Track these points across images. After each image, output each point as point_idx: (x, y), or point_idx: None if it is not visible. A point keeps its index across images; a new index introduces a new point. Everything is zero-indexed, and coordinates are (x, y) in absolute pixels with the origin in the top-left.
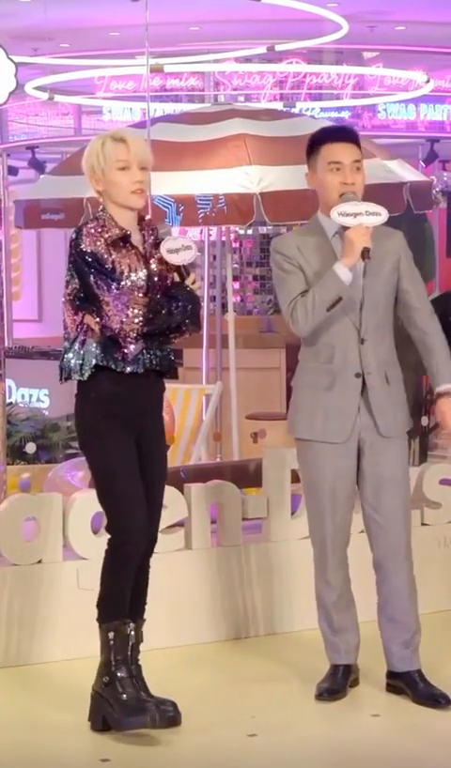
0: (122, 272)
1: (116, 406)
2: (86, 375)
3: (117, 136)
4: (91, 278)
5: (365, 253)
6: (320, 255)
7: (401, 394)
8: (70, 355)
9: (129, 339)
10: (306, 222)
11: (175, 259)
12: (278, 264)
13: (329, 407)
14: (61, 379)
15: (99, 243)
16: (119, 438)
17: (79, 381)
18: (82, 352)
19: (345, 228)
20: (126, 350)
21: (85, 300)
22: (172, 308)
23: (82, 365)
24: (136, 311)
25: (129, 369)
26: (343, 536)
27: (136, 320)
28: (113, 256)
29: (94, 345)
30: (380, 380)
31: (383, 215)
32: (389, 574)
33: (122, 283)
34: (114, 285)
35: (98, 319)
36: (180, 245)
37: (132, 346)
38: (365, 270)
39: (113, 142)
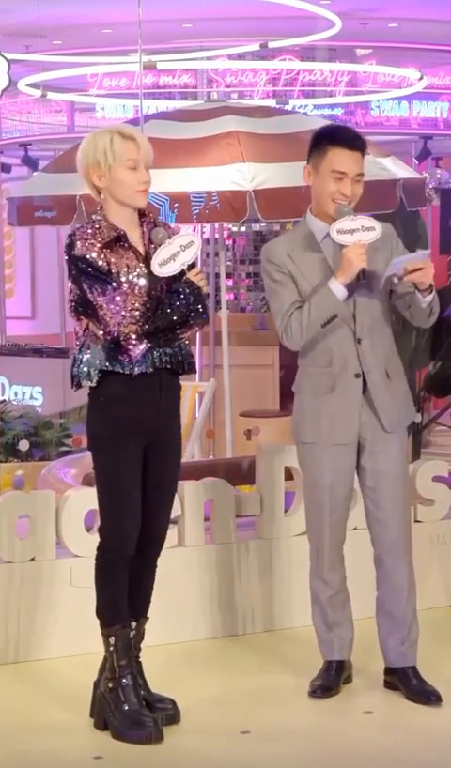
0: (119, 273)
1: (126, 408)
2: (94, 380)
3: (126, 133)
4: (84, 284)
5: (360, 275)
6: (311, 260)
7: (403, 387)
8: (79, 362)
9: (131, 340)
10: (299, 220)
11: (168, 270)
12: (269, 274)
13: (333, 411)
14: (72, 386)
15: (91, 247)
16: (126, 445)
17: (90, 386)
18: (88, 358)
19: (342, 245)
20: (131, 353)
21: (84, 306)
22: (173, 303)
23: (89, 371)
24: (133, 312)
25: (137, 370)
26: (340, 533)
27: (134, 321)
28: (108, 258)
29: (99, 349)
30: (380, 377)
31: (378, 230)
32: (390, 569)
33: (119, 283)
34: (109, 289)
35: (96, 323)
36: (178, 247)
37: (135, 348)
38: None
39: (122, 139)
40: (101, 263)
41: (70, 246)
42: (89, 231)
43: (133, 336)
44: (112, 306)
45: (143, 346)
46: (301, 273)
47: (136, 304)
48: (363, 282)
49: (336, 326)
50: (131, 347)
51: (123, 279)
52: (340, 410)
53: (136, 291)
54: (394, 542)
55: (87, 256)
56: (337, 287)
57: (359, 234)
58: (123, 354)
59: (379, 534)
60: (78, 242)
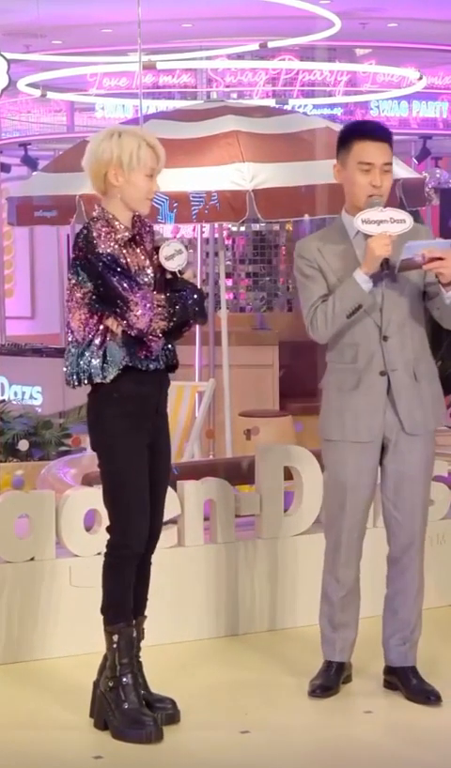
0: (135, 272)
1: (139, 405)
2: (110, 377)
3: (151, 142)
4: (115, 280)
5: (385, 264)
6: (341, 256)
7: (434, 391)
8: (87, 358)
9: (153, 336)
10: (301, 220)
11: (171, 265)
12: (300, 269)
13: (358, 408)
14: (78, 384)
15: (113, 244)
16: (135, 442)
17: (96, 383)
18: (102, 354)
19: (367, 235)
20: (152, 348)
21: (101, 303)
22: (186, 302)
23: (104, 367)
24: (159, 308)
25: (152, 366)
26: (358, 533)
27: (160, 317)
28: (126, 256)
29: (117, 346)
30: (407, 378)
31: (408, 222)
32: (403, 570)
33: (139, 281)
34: (134, 285)
35: (121, 320)
36: (174, 250)
37: (154, 344)
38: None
39: (147, 148)
40: (124, 260)
41: (90, 243)
42: (106, 228)
43: (158, 332)
44: (145, 302)
45: (161, 343)
46: (331, 268)
47: (159, 301)
48: (386, 272)
49: (363, 321)
50: (153, 344)
51: (138, 277)
52: (364, 408)
53: (152, 289)
54: (408, 543)
55: (113, 253)
56: (361, 277)
57: (386, 225)
58: (141, 350)
59: (395, 534)
60: (98, 240)
